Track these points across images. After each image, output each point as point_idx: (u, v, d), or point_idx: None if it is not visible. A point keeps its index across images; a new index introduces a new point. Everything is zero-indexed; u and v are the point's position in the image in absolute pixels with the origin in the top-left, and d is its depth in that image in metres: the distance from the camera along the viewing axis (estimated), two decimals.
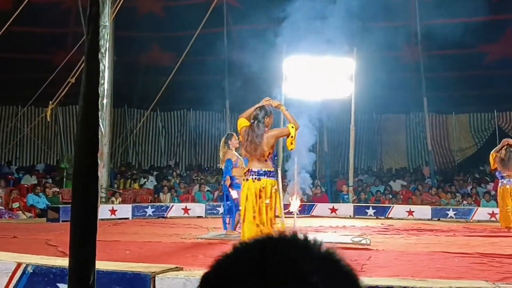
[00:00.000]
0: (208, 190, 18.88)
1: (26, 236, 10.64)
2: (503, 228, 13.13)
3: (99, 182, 3.28)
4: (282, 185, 17.54)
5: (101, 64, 3.28)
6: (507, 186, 13.27)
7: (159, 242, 10.13)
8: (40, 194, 16.50)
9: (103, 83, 3.32)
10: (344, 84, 17.84)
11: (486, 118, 23.56)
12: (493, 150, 13.81)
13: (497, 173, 13.86)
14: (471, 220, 16.00)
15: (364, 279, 4.67)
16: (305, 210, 16.78)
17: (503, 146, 13.59)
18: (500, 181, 13.59)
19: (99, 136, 3.31)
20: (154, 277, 4.79)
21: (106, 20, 3.36)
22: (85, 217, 3.24)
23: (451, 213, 16.54)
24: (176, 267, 5.19)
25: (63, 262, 4.78)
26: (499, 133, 22.38)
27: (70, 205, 3.37)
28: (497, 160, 13.51)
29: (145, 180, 20.51)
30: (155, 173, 21.80)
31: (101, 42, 3.29)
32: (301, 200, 12.41)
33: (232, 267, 0.98)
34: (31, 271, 5.15)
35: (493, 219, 15.36)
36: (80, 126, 3.31)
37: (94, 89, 3.26)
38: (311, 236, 1.01)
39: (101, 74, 3.30)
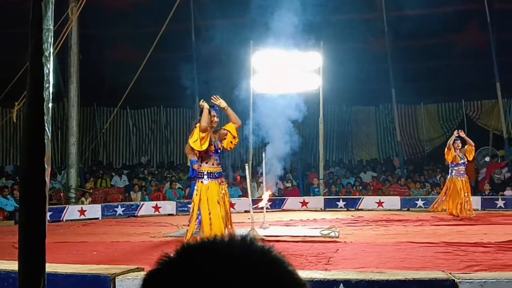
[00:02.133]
0: (179, 188, 18.79)
1: None
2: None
3: (46, 186, 3.25)
4: (253, 179, 17.59)
5: (45, 68, 3.25)
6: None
7: (127, 242, 10.09)
8: (9, 196, 16.29)
9: (48, 87, 3.29)
10: (312, 78, 17.91)
11: (454, 107, 23.82)
12: (449, 142, 14.14)
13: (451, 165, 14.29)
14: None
15: (323, 273, 4.72)
16: (276, 204, 16.84)
17: (454, 138, 13.99)
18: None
19: (46, 141, 3.27)
20: (114, 279, 4.78)
21: (50, 23, 3.33)
22: (33, 222, 3.22)
23: (420, 203, 16.73)
24: (137, 268, 5.18)
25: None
26: (467, 122, 22.65)
27: None
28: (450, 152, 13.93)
29: (119, 178, 20.37)
30: (126, 171, 21.65)
31: (45, 46, 3.26)
32: (271, 195, 12.42)
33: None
34: None
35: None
36: (26, 131, 3.28)
37: (39, 94, 3.23)
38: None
39: (45, 78, 3.27)
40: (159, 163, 24.67)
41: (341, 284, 4.31)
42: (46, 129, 3.29)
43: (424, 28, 21.51)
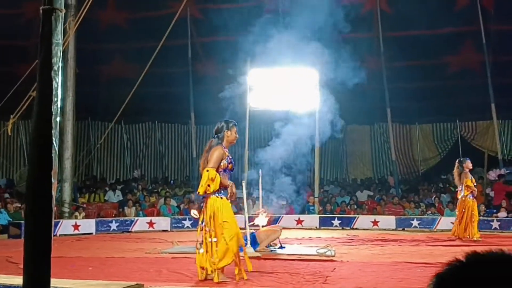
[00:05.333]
0: (174, 205, 18.71)
1: None
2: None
3: (53, 201, 3.23)
4: (249, 197, 17.54)
5: (54, 82, 3.24)
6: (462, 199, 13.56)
7: (122, 258, 10.03)
8: (2, 210, 16.17)
9: (57, 101, 3.28)
10: (309, 95, 17.95)
11: (449, 128, 23.89)
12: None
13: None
14: (435, 230, 16.19)
15: None
16: (272, 222, 16.76)
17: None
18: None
19: (53, 154, 3.25)
20: None
21: (59, 38, 3.32)
22: (39, 235, 3.19)
23: (415, 222, 16.71)
24: (137, 284, 5.14)
25: (22, 280, 4.68)
26: (461, 143, 22.75)
27: None
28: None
29: (113, 193, 20.27)
30: (120, 186, 21.55)
31: (54, 60, 3.25)
32: (269, 217, 12.39)
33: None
34: None
35: None
36: (34, 144, 3.26)
37: (47, 108, 3.22)
38: None
39: (54, 92, 3.26)
40: (153, 178, 24.59)
41: None
42: (54, 143, 3.28)
43: (420, 48, 21.70)
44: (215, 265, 7.21)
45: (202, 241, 7.36)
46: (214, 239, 7.27)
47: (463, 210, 13.44)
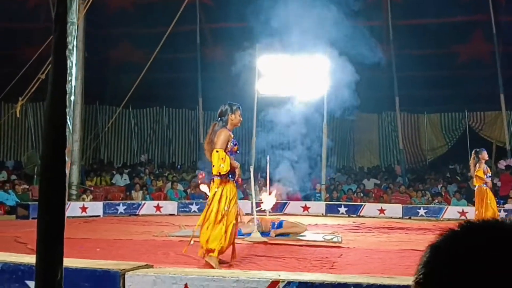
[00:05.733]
0: (181, 190, 18.78)
1: None
2: None
3: (67, 179, 3.25)
4: (256, 182, 17.57)
5: (68, 61, 3.25)
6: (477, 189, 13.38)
7: (130, 240, 10.08)
8: (10, 191, 16.28)
9: (71, 80, 3.29)
10: (317, 83, 17.91)
11: (457, 117, 23.81)
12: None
13: None
14: (441, 219, 16.19)
15: (334, 276, 4.71)
16: (278, 208, 16.80)
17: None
18: None
19: (67, 133, 3.27)
20: (124, 275, 4.75)
21: (74, 17, 3.33)
22: (53, 213, 3.21)
23: (422, 211, 16.71)
24: (146, 265, 5.16)
25: (32, 259, 4.72)
26: (469, 133, 22.69)
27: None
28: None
29: (120, 177, 20.34)
30: (127, 170, 21.62)
31: (69, 39, 3.26)
32: (275, 197, 12.41)
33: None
34: None
35: (463, 217, 15.55)
36: (48, 123, 3.27)
37: (62, 86, 3.22)
38: None
39: (68, 71, 3.27)
40: (160, 163, 24.65)
41: (352, 287, 4.29)
42: (68, 121, 3.29)
43: (430, 37, 21.59)
44: (207, 245, 7.18)
45: (206, 220, 7.34)
46: (215, 221, 7.26)
47: (483, 198, 13.24)
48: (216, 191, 7.29)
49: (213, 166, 7.21)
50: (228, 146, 7.33)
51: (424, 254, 1.08)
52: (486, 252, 0.98)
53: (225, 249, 7.36)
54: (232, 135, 7.45)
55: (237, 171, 7.46)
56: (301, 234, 10.89)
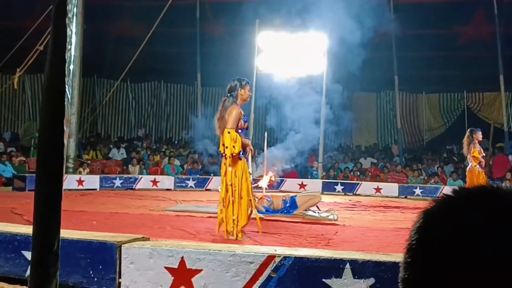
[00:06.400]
0: (178, 165, 18.77)
1: None
2: None
3: (64, 149, 3.23)
4: (252, 160, 17.54)
5: (68, 29, 3.21)
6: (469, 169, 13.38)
7: (126, 213, 10.09)
8: (6, 162, 16.26)
9: (70, 49, 3.25)
10: (317, 60, 17.82)
11: (456, 98, 23.78)
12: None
13: None
14: None
15: (330, 252, 4.71)
16: (274, 185, 16.83)
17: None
18: None
19: (66, 103, 3.24)
20: (121, 247, 4.77)
21: None
22: (50, 183, 3.20)
23: (418, 191, 16.77)
24: (143, 237, 5.17)
25: (28, 229, 4.72)
26: (468, 114, 22.67)
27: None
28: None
29: (117, 150, 20.32)
30: (124, 145, 21.60)
31: (69, 7, 3.21)
32: (273, 177, 12.37)
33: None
34: None
35: None
36: (46, 92, 3.24)
37: (61, 55, 3.19)
38: None
39: (68, 40, 3.23)
40: (157, 138, 24.62)
41: (348, 263, 4.31)
42: (67, 90, 3.26)
43: (430, 17, 21.43)
44: (238, 226, 7.31)
45: (224, 199, 7.43)
46: (237, 198, 7.35)
47: (475, 179, 13.28)
48: (230, 170, 7.34)
49: (226, 147, 7.23)
50: (239, 124, 7.34)
51: (417, 220, 1.06)
52: (481, 217, 0.96)
53: (245, 225, 7.53)
54: (243, 112, 7.46)
55: (248, 148, 7.51)
56: (318, 202, 10.78)
